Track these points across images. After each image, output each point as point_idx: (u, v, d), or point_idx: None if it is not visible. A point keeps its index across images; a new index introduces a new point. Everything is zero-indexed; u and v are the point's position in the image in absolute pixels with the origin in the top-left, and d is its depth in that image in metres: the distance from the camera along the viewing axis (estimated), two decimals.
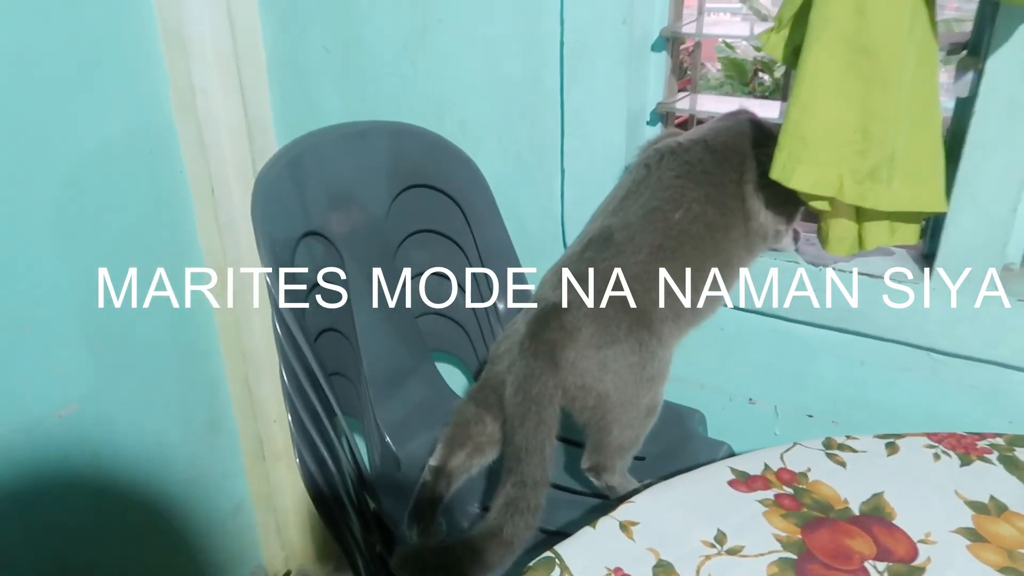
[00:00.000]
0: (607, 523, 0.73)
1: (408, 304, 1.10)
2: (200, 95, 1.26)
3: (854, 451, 0.83)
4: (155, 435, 1.33)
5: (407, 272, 1.10)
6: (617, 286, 0.78)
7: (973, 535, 0.71)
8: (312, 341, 0.90)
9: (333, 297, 1.00)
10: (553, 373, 0.76)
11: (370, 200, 1.03)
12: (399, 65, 1.14)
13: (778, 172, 0.77)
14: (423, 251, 1.11)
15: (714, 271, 0.81)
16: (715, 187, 0.81)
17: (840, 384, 0.98)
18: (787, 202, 0.85)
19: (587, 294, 0.77)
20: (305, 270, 0.93)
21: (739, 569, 0.68)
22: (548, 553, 0.70)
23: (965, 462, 0.80)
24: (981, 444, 0.83)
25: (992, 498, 0.75)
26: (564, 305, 0.77)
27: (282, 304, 0.83)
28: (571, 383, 0.78)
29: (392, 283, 1.07)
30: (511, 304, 1.15)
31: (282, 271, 0.85)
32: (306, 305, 0.93)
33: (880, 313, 0.91)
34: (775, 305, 0.97)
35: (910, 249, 0.94)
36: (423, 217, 1.09)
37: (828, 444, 0.84)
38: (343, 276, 0.99)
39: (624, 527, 0.73)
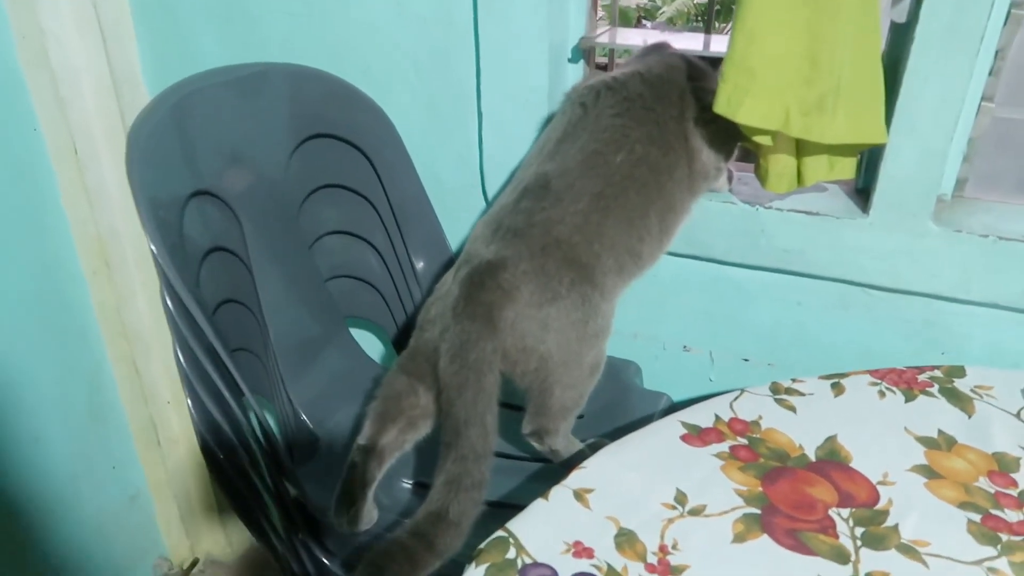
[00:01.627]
0: (560, 493, 0.68)
1: (316, 268, 1.00)
2: (52, 41, 1.09)
3: (801, 394, 0.80)
4: (30, 430, 1.18)
5: (312, 233, 1.00)
6: (557, 238, 0.71)
7: (929, 472, 0.70)
8: (210, 315, 0.79)
9: (230, 264, 0.89)
10: (491, 337, 0.69)
11: (267, 153, 0.91)
12: (289, 4, 1.01)
13: (723, 106, 0.72)
14: (329, 208, 1.01)
15: (658, 217, 0.76)
16: (657, 125, 0.75)
17: (776, 326, 0.96)
18: (728, 138, 0.80)
19: (525, 249, 0.70)
20: (195, 235, 0.81)
21: (704, 530, 0.64)
22: (499, 532, 0.64)
23: (909, 397, 0.79)
24: (921, 378, 0.82)
25: (940, 432, 0.75)
26: (500, 262, 0.69)
27: (171, 275, 0.71)
28: (511, 346, 0.71)
29: (296, 245, 0.97)
30: (429, 263, 1.06)
31: (168, 237, 0.73)
32: (199, 275, 0.82)
33: (816, 251, 0.88)
34: (708, 249, 0.93)
35: (842, 184, 0.92)
36: (327, 171, 0.98)
37: (776, 389, 0.81)
38: (241, 240, 0.87)
39: (579, 495, 0.68)
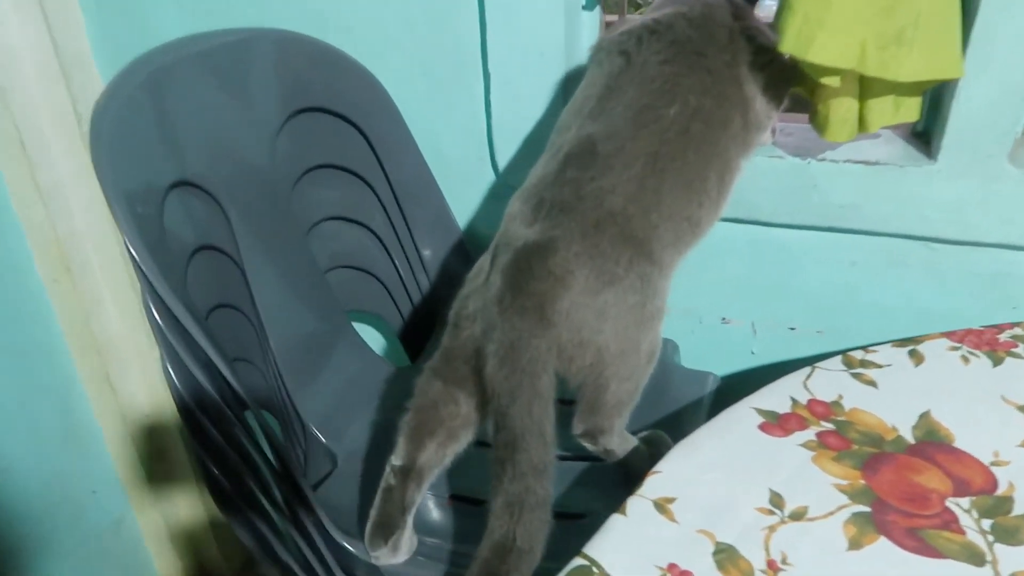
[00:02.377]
0: (639, 505, 0.59)
1: (313, 261, 0.88)
2: None
3: (879, 366, 0.72)
4: None
5: (306, 221, 0.89)
6: (610, 211, 0.61)
7: None
8: (202, 322, 0.68)
9: (220, 264, 0.77)
10: (545, 333, 0.59)
11: (252, 132, 0.79)
12: None
13: (791, 43, 0.62)
14: (323, 192, 0.89)
15: (716, 177, 0.66)
16: (708, 72, 0.65)
17: (825, 290, 0.88)
18: (781, 84, 0.71)
19: (576, 226, 0.60)
20: (178, 233, 0.70)
21: (811, 537, 0.56)
22: (579, 560, 0.55)
23: (996, 361, 0.72)
24: (1002, 337, 0.75)
25: None
26: (549, 244, 0.59)
27: (155, 279, 0.60)
28: (566, 341, 0.61)
29: (290, 237, 0.85)
30: (436, 248, 0.96)
31: (148, 237, 0.62)
32: (185, 278, 0.70)
33: (875, 205, 0.80)
34: (751, 210, 0.84)
35: (895, 129, 0.83)
36: (318, 149, 0.87)
37: (849, 363, 0.73)
38: (229, 235, 0.76)
39: (660, 507, 0.59)
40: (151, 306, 0.62)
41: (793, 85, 0.72)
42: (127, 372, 1.22)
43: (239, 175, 0.77)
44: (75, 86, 1.05)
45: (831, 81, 0.66)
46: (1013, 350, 0.73)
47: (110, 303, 1.17)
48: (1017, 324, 0.76)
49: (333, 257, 0.93)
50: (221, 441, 0.67)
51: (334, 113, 0.86)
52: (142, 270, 0.60)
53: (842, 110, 0.71)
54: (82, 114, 1.06)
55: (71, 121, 1.05)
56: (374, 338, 1.07)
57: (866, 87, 0.70)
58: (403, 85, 0.89)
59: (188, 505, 1.39)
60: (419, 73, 0.90)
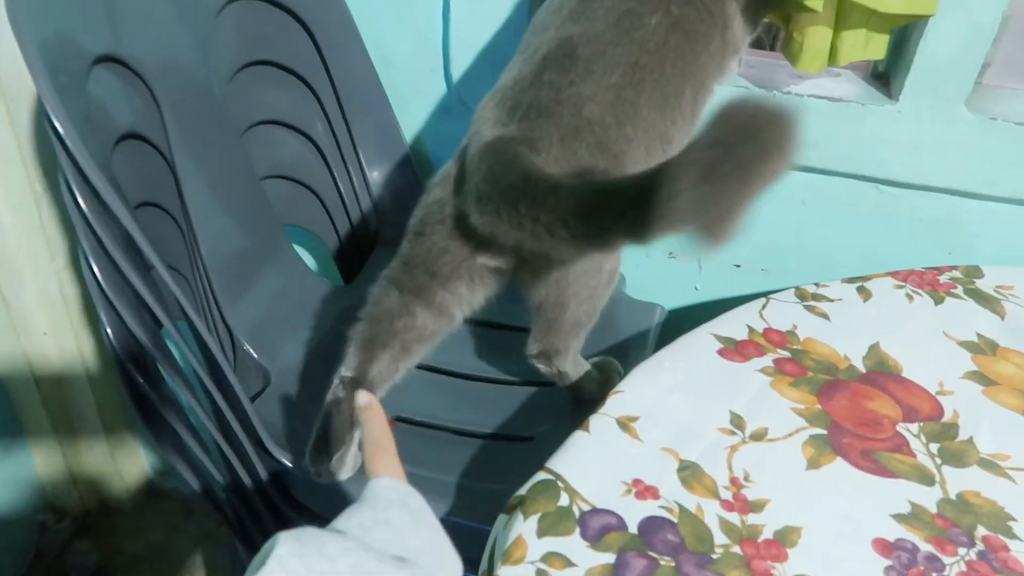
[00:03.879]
0: (602, 422, 0.57)
1: (249, 165, 0.82)
2: None
3: (830, 300, 0.73)
4: None
5: (243, 121, 0.81)
6: (588, 119, 0.57)
7: (982, 379, 0.65)
8: (132, 211, 0.61)
9: (147, 156, 0.70)
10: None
11: (189, 14, 0.71)
12: None
13: None
14: (262, 91, 0.82)
15: (692, 95, 0.64)
16: None
17: (774, 229, 0.88)
18: (760, 7, 0.68)
19: (555, 130, 0.56)
20: (104, 114, 0.62)
21: (772, 456, 0.56)
22: (542, 474, 0.53)
23: (937, 300, 0.74)
24: (943, 279, 0.77)
25: (980, 336, 0.70)
26: (528, 143, 0.55)
27: (82, 159, 0.53)
28: (530, 252, 0.58)
29: (225, 136, 0.78)
30: (380, 163, 0.90)
31: (72, 111, 0.54)
32: (110, 167, 0.63)
33: (835, 143, 0.80)
34: None
35: (854, 68, 0.83)
36: (259, 44, 0.80)
37: (802, 296, 0.74)
38: (159, 126, 0.69)
39: (624, 425, 0.57)
40: (73, 189, 0.55)
41: (772, 9, 0.71)
42: (22, 284, 1.11)
43: (173, 61, 0.70)
44: None
45: (815, 4, 0.65)
46: (952, 291, 0.75)
47: (3, 207, 1.05)
48: (955, 268, 0.78)
49: (269, 166, 0.86)
50: (150, 348, 0.61)
51: (278, 4, 0.78)
52: (64, 143, 0.52)
53: (817, 39, 0.70)
54: None
55: None
56: (306, 257, 1.01)
57: (841, 19, 0.70)
58: None
59: (87, 431, 1.30)
60: None
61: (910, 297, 0.74)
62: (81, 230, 0.58)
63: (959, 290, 0.75)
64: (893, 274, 0.77)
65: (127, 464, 1.36)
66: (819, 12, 0.66)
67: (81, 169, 0.53)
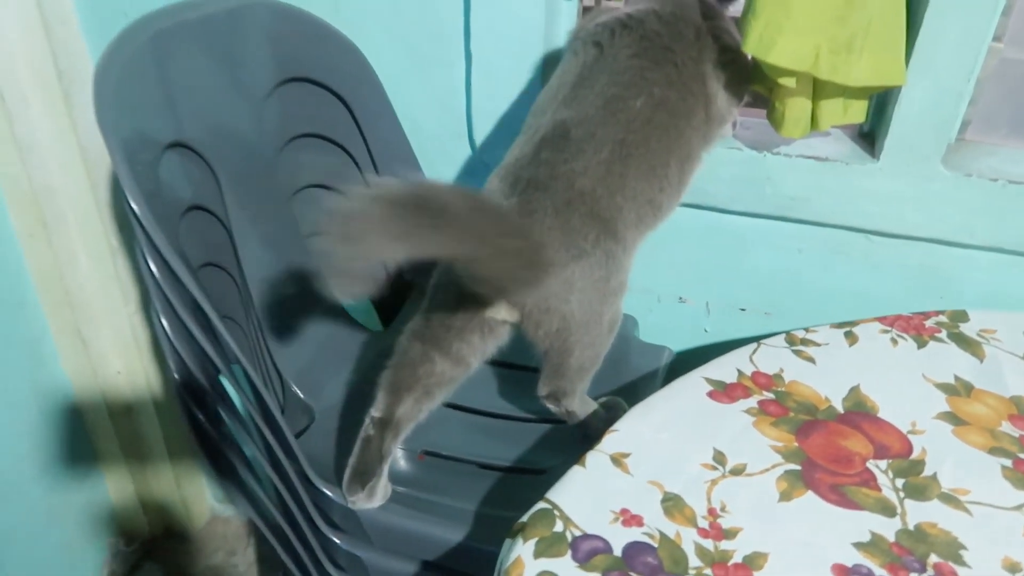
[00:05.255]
0: (596, 459, 0.65)
1: (295, 226, 0.92)
2: None
3: (817, 345, 0.79)
4: None
5: (289, 187, 0.92)
6: (580, 191, 0.66)
7: (953, 419, 0.70)
8: (196, 274, 0.72)
9: (208, 224, 0.81)
10: None
11: (243, 99, 0.82)
12: None
13: (754, 44, 0.68)
14: (306, 160, 0.93)
15: (677, 165, 0.72)
16: (675, 67, 0.71)
17: (774, 274, 0.95)
18: (742, 81, 0.76)
19: (549, 203, 0.65)
20: (173, 192, 0.73)
21: (748, 489, 0.63)
22: (542, 504, 0.61)
23: (920, 344, 0.79)
24: (928, 323, 0.82)
25: (957, 378, 0.75)
26: (526, 214, 0.64)
27: (154, 234, 0.64)
28: (533, 306, 0.67)
29: (275, 201, 0.89)
30: None
31: (147, 192, 0.65)
32: (178, 235, 0.74)
33: (822, 198, 0.87)
34: (709, 197, 0.91)
35: (844, 129, 0.90)
36: (303, 118, 0.90)
37: (791, 340, 0.80)
38: (218, 197, 0.79)
39: (616, 460, 0.65)
40: (147, 257, 0.66)
41: (754, 83, 0.78)
42: (98, 328, 1.24)
43: (229, 140, 0.81)
44: (56, 41, 1.06)
45: (788, 82, 0.72)
46: (936, 335, 0.81)
47: (84, 259, 1.18)
48: (942, 312, 0.84)
49: (314, 223, 0.96)
50: (209, 389, 0.71)
51: (320, 84, 0.89)
52: (140, 221, 0.63)
53: (797, 109, 0.77)
54: (63, 70, 1.07)
55: (51, 75, 1.06)
56: (349, 304, 1.11)
57: (819, 89, 0.77)
58: (387, 62, 0.93)
59: (155, 462, 1.42)
60: (403, 51, 0.94)
61: (895, 341, 0.80)
62: (152, 290, 0.68)
63: (943, 334, 0.81)
64: (881, 319, 0.82)
65: (191, 492, 1.47)
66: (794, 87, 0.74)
67: (152, 241, 0.64)
